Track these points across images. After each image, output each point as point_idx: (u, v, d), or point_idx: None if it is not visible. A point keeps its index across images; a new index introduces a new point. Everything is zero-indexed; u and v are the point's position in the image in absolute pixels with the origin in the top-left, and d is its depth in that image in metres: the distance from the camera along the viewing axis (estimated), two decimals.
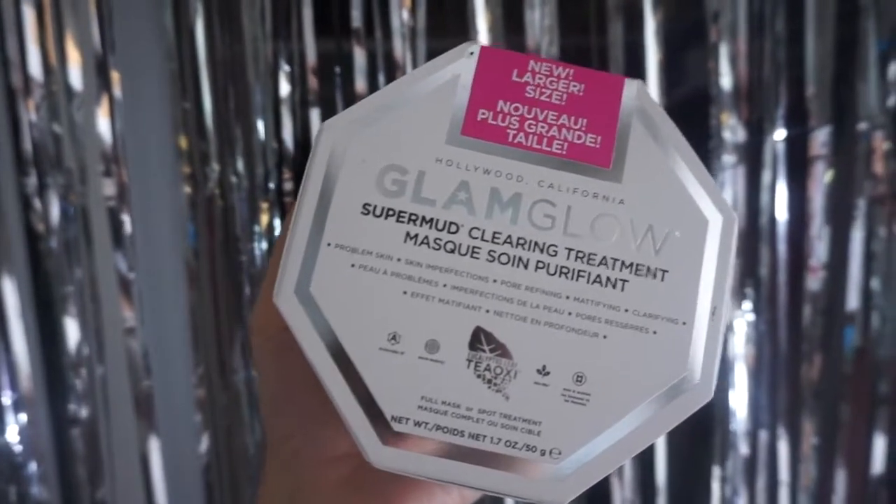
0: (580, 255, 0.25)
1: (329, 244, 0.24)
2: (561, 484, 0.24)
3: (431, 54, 0.66)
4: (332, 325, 0.24)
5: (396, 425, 0.24)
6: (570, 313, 0.25)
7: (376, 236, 0.24)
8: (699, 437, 0.74)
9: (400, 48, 0.70)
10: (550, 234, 0.25)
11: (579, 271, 0.25)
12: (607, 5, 0.70)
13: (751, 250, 0.72)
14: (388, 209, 0.25)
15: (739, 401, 0.73)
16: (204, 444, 0.74)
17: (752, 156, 0.71)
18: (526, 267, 0.25)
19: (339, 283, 0.24)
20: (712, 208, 0.26)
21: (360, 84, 0.71)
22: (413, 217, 0.25)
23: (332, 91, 0.72)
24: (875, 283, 0.70)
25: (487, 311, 0.24)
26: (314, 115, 0.72)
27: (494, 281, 0.25)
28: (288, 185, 0.72)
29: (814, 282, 0.71)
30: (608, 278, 0.25)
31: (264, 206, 0.72)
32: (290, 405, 0.28)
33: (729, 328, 0.72)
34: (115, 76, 0.70)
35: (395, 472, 0.24)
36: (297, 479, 0.29)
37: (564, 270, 0.25)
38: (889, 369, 0.71)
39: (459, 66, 0.26)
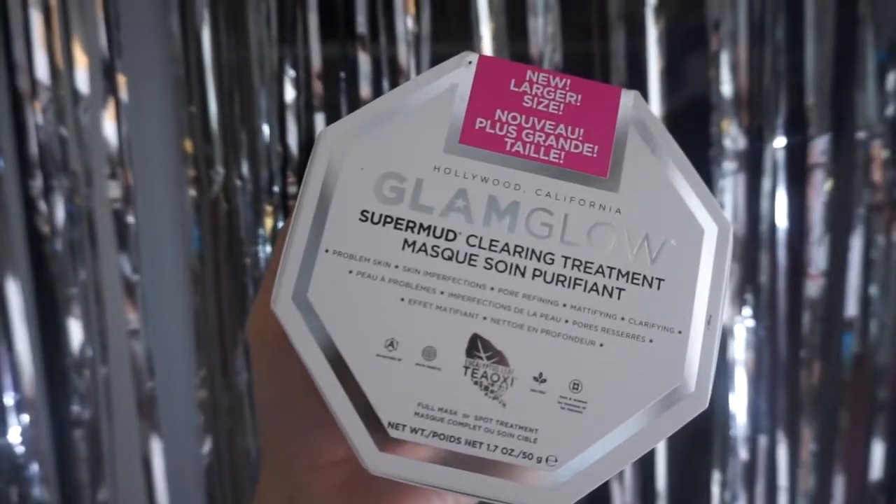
0: (577, 263, 0.25)
1: (327, 250, 0.24)
2: (557, 491, 0.24)
3: (435, 60, 0.66)
4: (330, 331, 0.24)
5: (393, 432, 0.24)
6: (566, 321, 0.25)
7: (374, 243, 0.24)
8: (699, 441, 0.74)
9: (404, 54, 0.71)
10: (547, 242, 0.25)
11: (576, 279, 0.25)
12: (609, 13, 0.70)
13: (751, 257, 0.72)
14: (386, 216, 0.25)
15: (739, 406, 0.73)
16: (206, 446, 0.75)
17: (752, 163, 0.71)
18: (523, 275, 0.25)
19: (337, 289, 0.24)
20: (708, 218, 0.26)
21: (365, 89, 0.71)
22: (411, 224, 0.25)
23: (337, 96, 0.72)
24: (874, 291, 0.71)
25: (485, 319, 0.24)
26: (319, 119, 0.72)
27: (492, 288, 0.25)
28: (292, 189, 0.72)
29: (813, 288, 0.71)
30: (605, 287, 0.25)
31: (268, 209, 0.73)
32: (287, 410, 0.28)
33: (729, 334, 0.72)
34: (121, 80, 0.70)
35: (391, 478, 0.24)
36: (293, 484, 0.29)
37: (561, 278, 0.25)
38: (887, 376, 0.71)
39: (458, 76, 0.26)
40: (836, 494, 0.73)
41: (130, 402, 0.72)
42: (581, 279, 0.25)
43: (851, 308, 0.71)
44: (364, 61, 0.71)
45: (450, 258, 0.25)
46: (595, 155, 0.26)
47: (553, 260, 0.25)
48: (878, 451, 0.72)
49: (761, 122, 0.70)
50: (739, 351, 0.72)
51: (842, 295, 0.71)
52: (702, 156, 0.71)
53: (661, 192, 0.26)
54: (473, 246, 0.25)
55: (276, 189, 0.72)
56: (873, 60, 0.68)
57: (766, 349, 0.72)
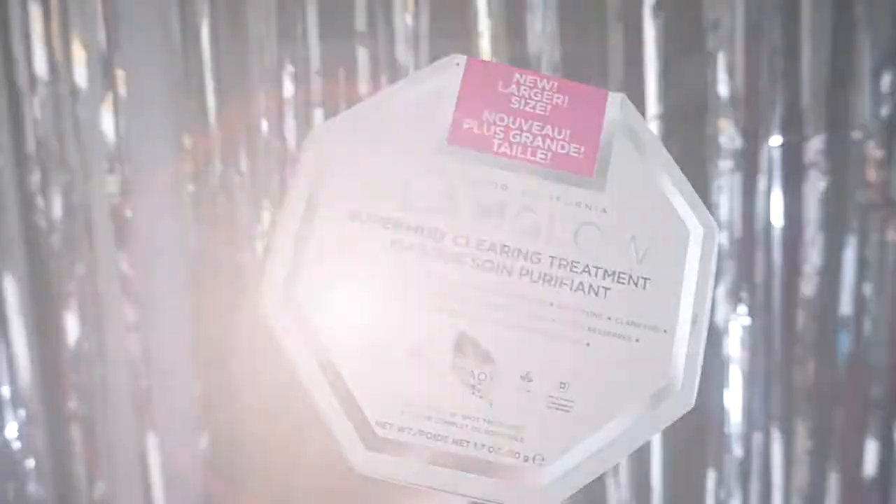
0: (563, 262, 0.25)
1: (314, 250, 0.24)
2: (544, 490, 0.24)
3: (434, 58, 0.66)
4: (316, 330, 0.24)
5: (380, 430, 0.24)
6: (553, 320, 0.25)
7: (361, 243, 0.25)
8: (694, 439, 0.74)
9: (403, 51, 0.71)
10: (534, 241, 0.25)
11: (562, 279, 0.25)
12: (607, 13, 0.70)
13: (746, 255, 0.72)
14: (374, 216, 0.25)
15: (734, 403, 0.73)
16: (203, 442, 0.75)
17: (748, 162, 0.71)
18: (510, 274, 0.25)
19: (324, 288, 0.24)
20: (693, 218, 0.26)
21: (364, 86, 0.71)
22: (398, 224, 0.25)
23: (336, 92, 0.72)
24: (868, 289, 0.71)
25: (471, 318, 0.25)
26: (318, 115, 0.72)
27: (478, 288, 0.25)
28: None
29: (808, 287, 0.71)
30: (591, 286, 0.25)
31: (267, 204, 0.73)
32: (274, 410, 0.28)
33: (724, 331, 0.72)
34: (119, 74, 0.70)
35: (378, 477, 0.24)
36: (281, 484, 0.29)
37: (548, 278, 0.25)
38: (881, 374, 0.71)
39: (446, 77, 0.26)
40: (830, 492, 0.73)
41: (127, 398, 0.72)
42: (567, 278, 0.25)
43: (846, 306, 0.71)
44: (363, 58, 0.71)
45: (437, 257, 0.25)
46: (581, 156, 0.26)
47: (539, 259, 0.25)
48: (872, 449, 0.72)
49: (757, 122, 0.70)
50: (734, 348, 0.72)
51: (836, 293, 0.71)
52: (698, 155, 0.71)
53: (647, 192, 0.26)
54: (461, 245, 0.25)
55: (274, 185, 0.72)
56: (869, 61, 0.69)
57: (761, 347, 0.73)
